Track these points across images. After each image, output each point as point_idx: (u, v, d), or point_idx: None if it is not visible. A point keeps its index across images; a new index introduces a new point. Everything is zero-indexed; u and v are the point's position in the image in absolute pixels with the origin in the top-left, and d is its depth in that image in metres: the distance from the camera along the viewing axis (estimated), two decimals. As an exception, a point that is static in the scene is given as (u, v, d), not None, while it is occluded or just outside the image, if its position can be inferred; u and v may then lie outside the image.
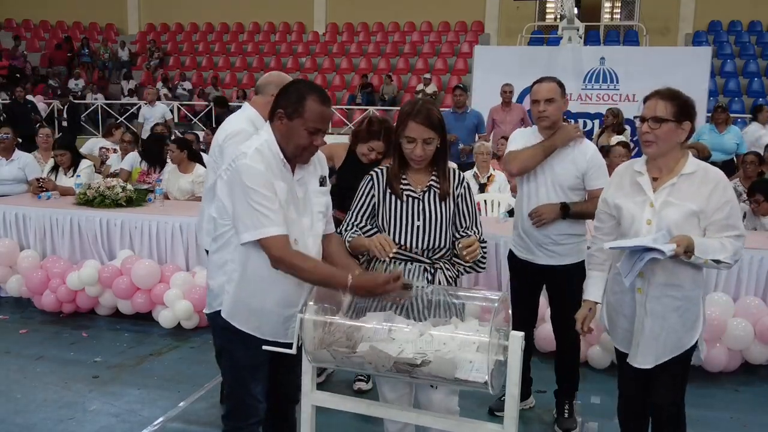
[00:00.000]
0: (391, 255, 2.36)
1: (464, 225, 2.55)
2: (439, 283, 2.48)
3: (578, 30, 10.54)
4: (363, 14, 17.91)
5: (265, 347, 2.26)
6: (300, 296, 2.29)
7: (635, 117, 8.31)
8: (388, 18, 17.83)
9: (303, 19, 18.46)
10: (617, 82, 9.49)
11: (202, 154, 6.25)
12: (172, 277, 4.76)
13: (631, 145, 7.09)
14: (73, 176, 5.86)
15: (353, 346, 2.17)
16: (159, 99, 12.88)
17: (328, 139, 2.72)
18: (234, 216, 2.21)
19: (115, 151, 7.52)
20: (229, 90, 15.43)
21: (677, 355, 2.50)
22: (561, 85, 3.26)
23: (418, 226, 2.49)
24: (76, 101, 13.66)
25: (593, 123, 9.48)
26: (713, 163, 3.13)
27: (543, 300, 3.62)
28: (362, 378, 3.86)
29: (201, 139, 8.39)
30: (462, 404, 2.57)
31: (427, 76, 14.45)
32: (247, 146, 2.24)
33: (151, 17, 19.51)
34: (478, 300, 2.38)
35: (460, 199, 2.55)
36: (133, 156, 6.46)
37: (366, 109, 13.26)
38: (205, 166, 5.35)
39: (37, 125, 10.20)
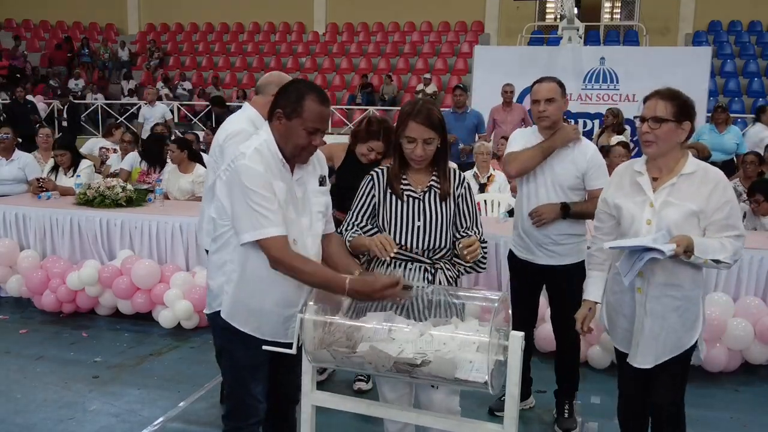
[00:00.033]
0: (392, 255, 2.36)
1: (465, 225, 2.54)
2: (440, 283, 2.48)
3: (578, 30, 10.54)
4: (363, 14, 17.90)
5: (265, 347, 2.26)
6: (300, 296, 2.29)
7: (635, 117, 8.30)
8: (388, 18, 17.83)
9: (303, 19, 18.46)
10: (617, 82, 9.49)
11: (202, 154, 6.25)
12: (172, 277, 4.76)
13: (631, 145, 7.10)
14: (73, 176, 5.86)
15: (353, 346, 2.17)
16: (159, 99, 12.89)
17: (328, 139, 2.72)
18: (233, 216, 2.21)
19: (115, 151, 7.52)
20: (229, 90, 15.42)
21: (677, 355, 2.50)
22: (561, 85, 3.27)
23: (418, 227, 2.49)
24: (76, 101, 13.65)
25: (593, 123, 9.48)
26: (713, 163, 3.13)
27: (543, 300, 3.62)
28: (362, 378, 3.86)
29: (201, 139, 8.39)
30: (462, 404, 2.57)
31: (427, 76, 14.44)
32: (246, 146, 2.24)
33: (151, 17, 19.51)
34: (478, 300, 2.38)
35: (460, 199, 2.55)
36: (133, 156, 6.46)
37: (366, 109, 13.25)
38: (205, 166, 5.35)
39: (37, 125, 10.19)
